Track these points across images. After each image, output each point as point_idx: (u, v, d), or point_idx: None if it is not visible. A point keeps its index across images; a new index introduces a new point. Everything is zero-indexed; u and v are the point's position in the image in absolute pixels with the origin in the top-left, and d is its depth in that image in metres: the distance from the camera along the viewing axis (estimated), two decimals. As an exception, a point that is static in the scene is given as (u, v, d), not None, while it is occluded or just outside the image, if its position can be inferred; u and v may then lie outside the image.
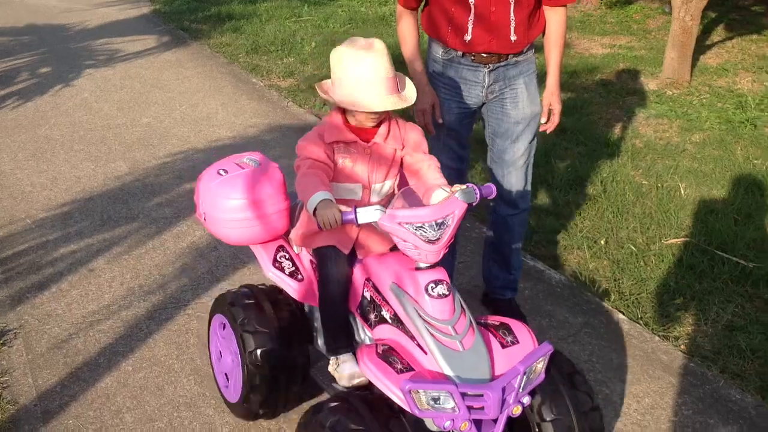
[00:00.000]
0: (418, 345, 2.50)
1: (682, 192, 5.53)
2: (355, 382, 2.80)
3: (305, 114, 7.54)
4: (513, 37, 3.41)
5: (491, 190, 2.68)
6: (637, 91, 8.18)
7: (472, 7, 3.36)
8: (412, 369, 2.47)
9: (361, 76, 2.66)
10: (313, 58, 9.53)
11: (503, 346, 2.57)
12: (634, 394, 3.49)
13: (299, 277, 3.07)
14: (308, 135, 2.82)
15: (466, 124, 3.66)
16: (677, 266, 4.52)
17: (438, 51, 3.58)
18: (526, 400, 2.48)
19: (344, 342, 2.86)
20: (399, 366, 2.48)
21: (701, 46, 9.50)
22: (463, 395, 2.34)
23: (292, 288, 3.06)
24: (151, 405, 3.38)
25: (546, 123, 3.68)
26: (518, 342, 2.60)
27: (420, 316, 2.50)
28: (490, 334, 2.60)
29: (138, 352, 3.75)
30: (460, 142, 3.67)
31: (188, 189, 5.63)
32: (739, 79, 8.53)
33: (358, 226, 2.67)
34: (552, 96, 3.63)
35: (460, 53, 3.49)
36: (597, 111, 7.51)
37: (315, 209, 2.55)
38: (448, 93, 3.56)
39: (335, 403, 2.56)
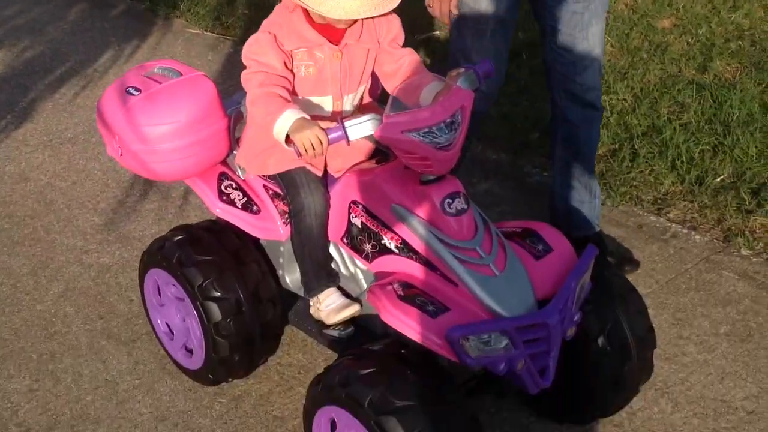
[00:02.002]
0: (443, 276, 2.07)
1: (428, -9, 5.82)
2: (346, 314, 2.37)
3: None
4: None
5: (489, 65, 2.18)
6: None
7: None
8: (446, 308, 2.02)
9: None
10: None
11: (536, 257, 2.17)
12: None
13: (254, 208, 2.51)
14: (258, 37, 2.19)
15: (514, 10, 2.78)
16: (431, 57, 4.84)
17: None
18: (577, 317, 2.10)
19: (325, 279, 2.41)
20: (431, 307, 2.02)
21: None
22: (517, 329, 1.95)
23: (248, 224, 2.50)
24: None
25: None
26: (552, 249, 2.20)
27: (440, 241, 2.05)
28: (518, 246, 2.19)
29: None
30: (507, 38, 2.82)
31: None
32: None
33: (348, 143, 2.06)
34: None
35: None
36: None
37: (288, 133, 2.04)
38: None
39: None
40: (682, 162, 3.58)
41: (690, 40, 4.77)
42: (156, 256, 2.57)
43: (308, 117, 2.06)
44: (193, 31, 5.53)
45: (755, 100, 3.98)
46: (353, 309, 2.36)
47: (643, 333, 2.27)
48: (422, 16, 5.40)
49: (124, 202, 3.64)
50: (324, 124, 2.05)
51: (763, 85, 4.14)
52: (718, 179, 3.48)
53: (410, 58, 2.28)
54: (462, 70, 2.12)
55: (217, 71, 4.92)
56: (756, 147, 3.60)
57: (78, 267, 3.24)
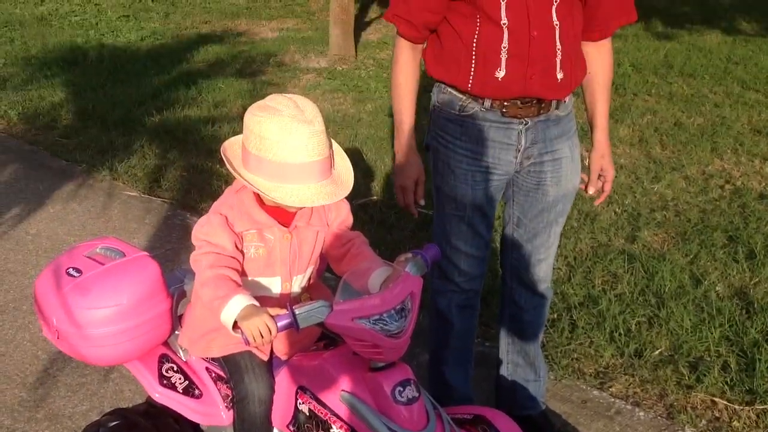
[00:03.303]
0: None
1: (364, 157, 5.97)
2: None
3: None
4: (559, 75, 2.49)
5: (436, 251, 2.22)
6: (310, 69, 8.60)
7: (505, 30, 2.41)
8: None
9: (292, 159, 2.04)
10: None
11: None
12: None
13: (196, 392, 2.44)
14: (209, 218, 2.18)
15: (495, 200, 2.72)
16: (369, 223, 4.90)
17: (453, 102, 2.59)
18: None
19: None
20: None
21: (361, 23, 10.17)
22: None
23: (190, 409, 2.42)
24: None
25: (593, 190, 2.80)
26: None
27: (392, 431, 2.01)
28: None
29: None
30: (488, 224, 2.75)
31: None
32: (399, 51, 9.29)
33: (299, 331, 2.02)
34: (603, 159, 2.74)
35: (486, 104, 2.53)
36: (280, 92, 7.80)
37: (236, 319, 2.01)
38: (472, 161, 2.61)
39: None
40: (620, 334, 3.64)
41: (617, 210, 4.97)
42: None
43: (257, 303, 2.03)
44: (130, 193, 5.51)
45: (684, 272, 4.12)
46: None
47: None
48: (361, 182, 5.57)
49: (54, 375, 3.48)
50: (272, 309, 2.02)
51: (691, 257, 4.30)
52: (656, 352, 3.53)
53: (358, 240, 2.30)
54: (410, 255, 2.15)
55: (154, 234, 4.88)
56: (690, 320, 3.69)
57: (2, 449, 3.06)
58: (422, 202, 2.71)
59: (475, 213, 2.69)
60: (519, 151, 2.60)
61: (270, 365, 2.31)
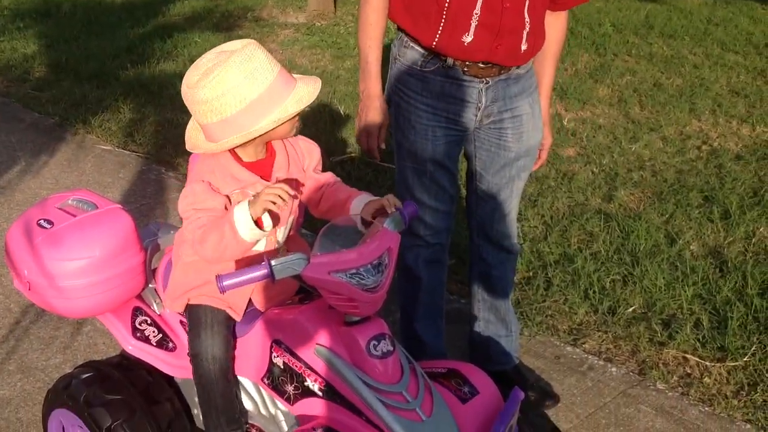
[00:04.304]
0: (369, 421, 2.01)
1: (342, 113, 5.92)
2: None
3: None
4: (524, 46, 2.53)
5: (414, 208, 2.19)
6: (288, 25, 8.50)
7: None
8: None
9: (261, 86, 2.01)
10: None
11: (462, 400, 2.15)
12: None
13: (170, 345, 2.43)
14: (192, 188, 2.12)
15: (455, 155, 2.74)
16: (347, 180, 4.85)
17: (415, 57, 2.59)
18: None
19: (226, 426, 2.31)
20: None
21: (341, -21, 10.05)
22: None
23: (163, 362, 2.41)
24: None
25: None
26: (478, 392, 2.19)
27: (366, 385, 2.00)
28: (444, 388, 2.17)
29: None
30: (450, 178, 2.75)
31: None
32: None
33: (274, 282, 1.99)
34: (545, 126, 2.81)
35: (448, 62, 2.55)
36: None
37: (252, 217, 2.00)
38: (432, 116, 2.62)
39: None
40: (594, 292, 3.66)
41: (594, 169, 4.97)
42: (61, 395, 2.44)
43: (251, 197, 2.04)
44: (104, 147, 5.44)
45: (660, 231, 4.14)
46: None
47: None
48: (338, 139, 5.53)
49: (27, 328, 3.45)
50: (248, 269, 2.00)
51: (666, 216, 4.32)
52: (630, 310, 3.56)
53: (333, 180, 2.31)
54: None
55: (128, 189, 4.83)
56: (664, 278, 3.71)
57: (-26, 401, 3.04)
58: (383, 146, 2.68)
59: (435, 167, 2.69)
60: (479, 109, 2.62)
61: (233, 325, 2.29)
